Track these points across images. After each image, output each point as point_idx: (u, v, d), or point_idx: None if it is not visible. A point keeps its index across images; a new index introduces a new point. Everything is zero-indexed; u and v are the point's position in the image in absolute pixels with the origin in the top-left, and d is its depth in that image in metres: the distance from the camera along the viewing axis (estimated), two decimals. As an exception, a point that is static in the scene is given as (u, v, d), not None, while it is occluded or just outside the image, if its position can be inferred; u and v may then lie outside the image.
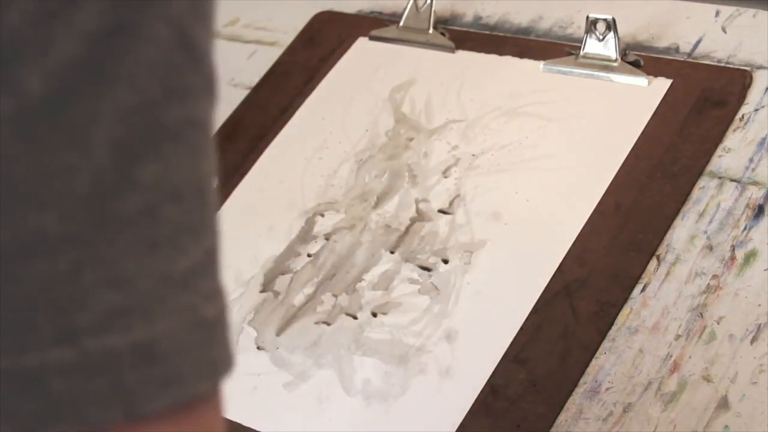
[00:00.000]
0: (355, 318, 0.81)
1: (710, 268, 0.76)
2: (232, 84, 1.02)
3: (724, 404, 0.69)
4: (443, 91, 0.93)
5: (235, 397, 0.79)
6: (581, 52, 0.90)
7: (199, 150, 0.36)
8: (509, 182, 0.85)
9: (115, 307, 0.34)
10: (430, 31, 0.97)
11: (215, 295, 0.37)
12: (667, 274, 0.76)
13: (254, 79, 1.01)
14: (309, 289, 0.84)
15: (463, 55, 0.95)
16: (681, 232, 0.78)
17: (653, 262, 0.77)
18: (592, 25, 0.89)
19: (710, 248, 0.77)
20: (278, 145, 0.95)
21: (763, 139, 0.82)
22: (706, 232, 0.78)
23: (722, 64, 0.87)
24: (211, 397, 0.37)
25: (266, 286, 0.85)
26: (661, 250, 0.78)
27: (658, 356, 0.73)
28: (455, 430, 0.72)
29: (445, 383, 0.75)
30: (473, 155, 0.88)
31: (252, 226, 0.90)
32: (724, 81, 0.86)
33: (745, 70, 0.86)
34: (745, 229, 0.77)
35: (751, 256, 0.76)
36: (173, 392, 0.35)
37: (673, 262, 0.77)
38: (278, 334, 0.82)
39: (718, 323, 0.73)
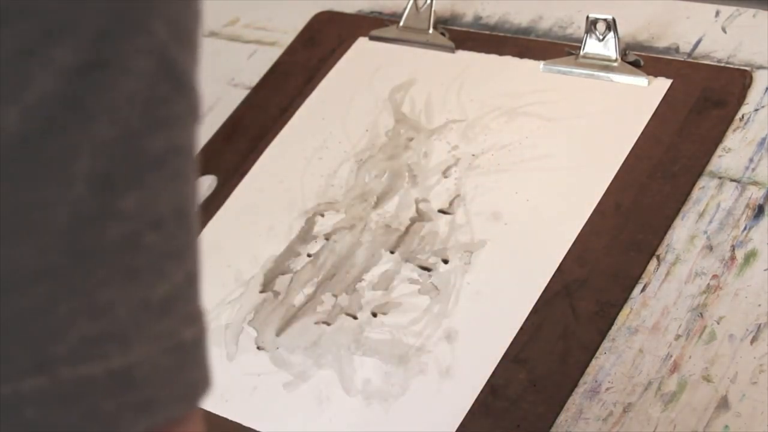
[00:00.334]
0: (355, 318, 0.81)
1: (710, 268, 0.76)
2: (232, 84, 1.02)
3: (724, 404, 0.69)
4: (443, 91, 0.93)
5: (235, 397, 0.79)
6: (581, 52, 0.90)
7: (181, 176, 0.37)
8: (509, 182, 0.85)
9: (91, 335, 0.34)
10: (430, 31, 0.97)
11: (195, 318, 0.37)
12: (667, 274, 0.76)
13: (254, 79, 1.01)
14: (309, 289, 0.84)
15: (463, 55, 0.95)
16: (681, 232, 0.78)
17: (653, 262, 0.77)
18: (592, 25, 0.89)
19: (710, 248, 0.77)
20: (278, 145, 0.95)
21: (763, 139, 0.82)
22: (706, 232, 0.78)
23: (722, 64, 0.87)
24: (188, 418, 0.37)
25: (266, 286, 0.85)
26: (661, 250, 0.78)
27: (658, 356, 0.73)
28: (455, 430, 0.72)
29: (445, 383, 0.75)
30: (473, 155, 0.88)
31: (252, 226, 0.90)
32: (724, 81, 0.86)
33: (745, 70, 0.86)
34: (745, 229, 0.77)
35: (751, 256, 0.76)
36: (150, 417, 0.36)
37: (673, 262, 0.77)
38: (278, 334, 0.82)
39: (718, 323, 0.73)
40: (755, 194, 0.79)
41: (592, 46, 0.89)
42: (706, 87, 0.85)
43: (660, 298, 0.75)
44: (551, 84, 0.90)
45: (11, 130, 0.33)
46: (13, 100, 0.33)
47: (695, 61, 0.89)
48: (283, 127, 0.96)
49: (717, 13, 0.91)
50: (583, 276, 0.77)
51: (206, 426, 0.39)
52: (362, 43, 1.00)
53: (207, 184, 0.94)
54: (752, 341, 0.72)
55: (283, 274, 0.85)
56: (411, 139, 0.91)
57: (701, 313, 0.74)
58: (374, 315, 0.80)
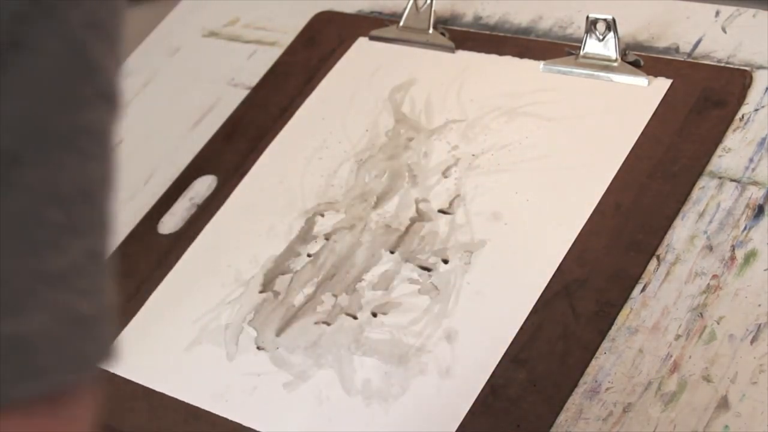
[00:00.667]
0: (355, 318, 0.81)
1: (710, 268, 0.76)
2: (232, 84, 1.02)
3: (724, 404, 0.69)
4: (443, 91, 0.93)
5: (235, 397, 0.79)
6: (581, 52, 0.90)
7: (89, 156, 0.38)
8: (509, 182, 0.85)
9: None
10: (430, 31, 0.97)
11: (94, 293, 0.39)
12: (667, 274, 0.76)
13: (254, 79, 1.01)
14: (309, 289, 0.84)
15: (463, 55, 0.95)
16: (681, 232, 0.78)
17: (653, 262, 0.77)
18: (592, 25, 0.89)
19: (710, 248, 0.77)
20: (278, 145, 0.95)
21: (763, 139, 0.82)
22: (706, 232, 0.78)
23: (722, 64, 0.87)
24: (79, 389, 0.39)
25: (266, 286, 0.85)
26: (661, 250, 0.78)
27: (658, 356, 0.73)
28: (455, 430, 0.72)
29: (445, 383, 0.75)
30: (473, 155, 0.88)
31: (252, 226, 0.90)
32: (724, 81, 0.86)
33: (745, 70, 0.86)
34: (745, 229, 0.77)
35: (751, 256, 0.76)
36: (38, 384, 0.37)
37: (673, 262, 0.77)
38: (278, 334, 0.82)
39: (718, 323, 0.73)
40: (755, 194, 0.79)
41: (592, 46, 0.89)
42: (706, 87, 0.85)
43: (660, 298, 0.75)
44: (551, 84, 0.90)
45: None
46: None
47: (695, 61, 0.89)
48: (283, 127, 0.96)
49: (717, 13, 0.91)
50: (583, 276, 0.77)
51: (100, 402, 0.41)
52: (362, 43, 1.00)
53: (207, 184, 0.94)
54: (752, 341, 0.72)
55: (283, 274, 0.85)
56: (411, 139, 0.91)
57: (701, 313, 0.74)
58: (374, 315, 0.80)
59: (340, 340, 0.80)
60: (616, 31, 0.88)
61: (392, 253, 0.84)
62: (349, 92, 0.96)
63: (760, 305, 0.73)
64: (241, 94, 1.01)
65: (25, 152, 0.37)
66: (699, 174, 0.81)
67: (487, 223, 0.83)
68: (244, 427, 0.78)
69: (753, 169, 0.80)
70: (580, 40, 0.90)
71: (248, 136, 0.96)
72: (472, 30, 0.98)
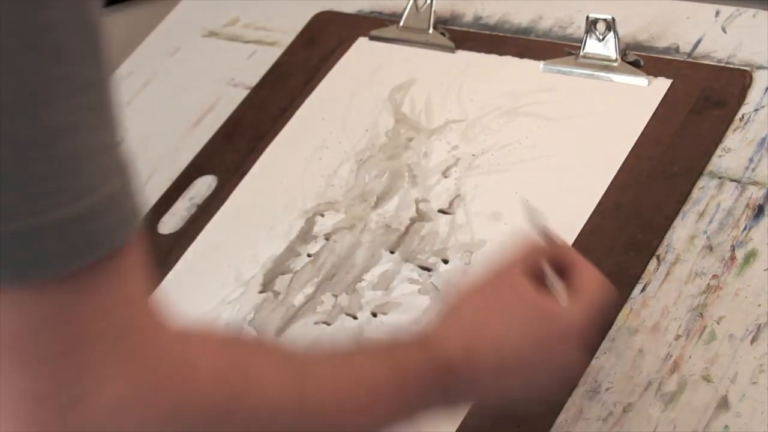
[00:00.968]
0: (355, 318, 0.81)
1: (710, 268, 0.76)
2: (232, 84, 1.02)
3: (724, 404, 0.69)
4: (443, 91, 0.93)
5: (235, 397, 0.79)
6: (581, 52, 0.90)
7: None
8: (509, 182, 0.85)
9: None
10: (430, 31, 0.97)
11: (120, 170, 0.48)
12: (667, 274, 0.76)
13: (254, 79, 1.01)
14: (309, 289, 0.84)
15: (463, 55, 0.95)
16: (681, 232, 0.78)
17: (653, 262, 0.77)
18: (592, 25, 0.89)
19: (710, 248, 0.77)
20: (278, 145, 0.95)
21: (763, 139, 0.82)
22: (706, 232, 0.78)
23: (722, 64, 0.88)
24: (128, 245, 0.48)
25: (266, 286, 0.85)
26: (661, 250, 0.78)
27: (658, 356, 0.73)
28: (455, 430, 0.72)
29: (445, 383, 0.75)
30: (473, 155, 0.88)
31: (252, 226, 0.90)
32: (724, 81, 0.86)
33: (745, 70, 0.86)
34: (745, 229, 0.77)
35: (751, 256, 0.76)
36: (98, 251, 0.46)
37: (673, 262, 0.77)
38: (278, 334, 0.82)
39: (718, 323, 0.73)
40: (755, 194, 0.79)
41: (592, 46, 0.89)
42: (706, 87, 0.85)
43: (660, 298, 0.75)
44: (551, 84, 0.90)
45: None
46: None
47: (695, 61, 0.89)
48: (283, 127, 0.96)
49: (717, 13, 0.91)
50: (583, 276, 0.77)
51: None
52: (362, 43, 1.00)
53: (207, 184, 0.94)
54: (752, 341, 0.72)
55: (283, 274, 0.85)
56: (411, 139, 0.91)
57: (701, 313, 0.74)
58: (374, 315, 0.80)
59: (340, 340, 0.80)
60: (616, 31, 0.88)
61: (392, 253, 0.84)
62: (349, 92, 0.96)
63: (760, 305, 0.73)
64: (241, 94, 1.01)
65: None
66: (699, 174, 0.81)
67: (487, 223, 0.83)
68: (244, 427, 0.78)
69: (753, 169, 0.80)
70: (580, 40, 0.90)
71: (248, 136, 0.96)
72: (472, 30, 0.98)
